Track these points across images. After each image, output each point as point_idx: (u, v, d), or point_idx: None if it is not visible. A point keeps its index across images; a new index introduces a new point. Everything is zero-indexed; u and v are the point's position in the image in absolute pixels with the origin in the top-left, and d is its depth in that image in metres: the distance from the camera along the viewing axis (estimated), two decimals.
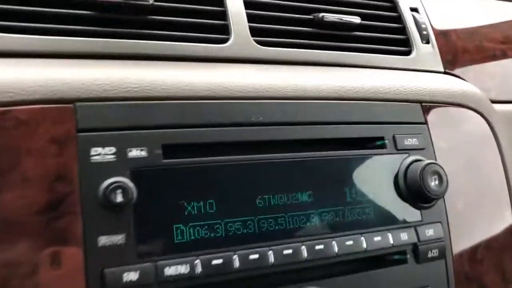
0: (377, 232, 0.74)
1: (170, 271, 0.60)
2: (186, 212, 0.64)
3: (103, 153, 0.61)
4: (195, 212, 0.65)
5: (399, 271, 0.75)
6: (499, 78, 1.13)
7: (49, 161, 0.58)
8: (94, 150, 0.60)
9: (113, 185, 0.58)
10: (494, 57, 1.16)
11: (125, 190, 0.59)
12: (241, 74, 0.76)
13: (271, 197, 0.70)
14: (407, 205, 0.79)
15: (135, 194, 0.60)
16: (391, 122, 0.81)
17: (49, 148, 0.59)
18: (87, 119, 0.61)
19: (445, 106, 0.90)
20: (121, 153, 0.61)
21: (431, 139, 0.84)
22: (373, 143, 0.81)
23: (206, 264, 0.62)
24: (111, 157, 0.61)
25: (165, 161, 0.64)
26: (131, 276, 0.58)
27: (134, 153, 0.62)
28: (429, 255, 0.78)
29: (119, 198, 0.58)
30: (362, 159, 0.77)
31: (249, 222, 0.68)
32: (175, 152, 0.65)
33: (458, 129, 0.90)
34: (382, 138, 0.80)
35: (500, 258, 0.86)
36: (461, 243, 0.82)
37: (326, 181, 0.74)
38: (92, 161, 0.60)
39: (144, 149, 0.63)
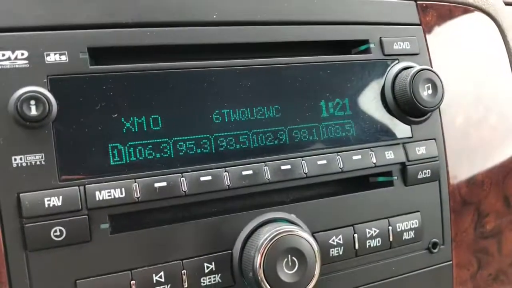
0: (357, 151, 0.63)
1: (102, 195, 0.51)
2: (124, 129, 0.54)
3: (13, 58, 0.50)
4: (136, 129, 0.55)
5: (384, 195, 0.66)
6: None
7: None
8: (2, 54, 0.50)
9: (25, 96, 0.48)
10: None
11: (40, 101, 0.48)
12: None
13: (231, 111, 0.59)
14: (395, 119, 0.67)
15: (54, 107, 0.50)
16: (378, 23, 0.68)
17: None
18: None
19: (447, 5, 0.76)
20: (36, 58, 0.51)
21: (426, 43, 0.71)
22: (356, 47, 0.68)
23: (146, 187, 0.53)
24: (23, 63, 0.50)
25: (93, 67, 0.53)
26: (54, 201, 0.49)
27: (53, 57, 0.51)
28: (420, 176, 0.67)
29: (33, 110, 0.48)
30: (342, 66, 0.65)
31: (204, 140, 0.58)
32: (106, 56, 0.54)
33: (461, 33, 0.77)
34: (366, 41, 0.67)
35: (505, 181, 0.75)
36: (458, 163, 0.71)
37: (297, 93, 0.62)
38: (0, 67, 0.49)
39: (65, 53, 0.52)
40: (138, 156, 0.54)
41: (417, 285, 0.67)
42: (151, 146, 0.55)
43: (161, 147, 0.56)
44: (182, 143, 0.57)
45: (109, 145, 0.53)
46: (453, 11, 0.76)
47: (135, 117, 0.55)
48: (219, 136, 0.58)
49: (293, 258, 0.54)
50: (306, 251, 0.54)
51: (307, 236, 0.55)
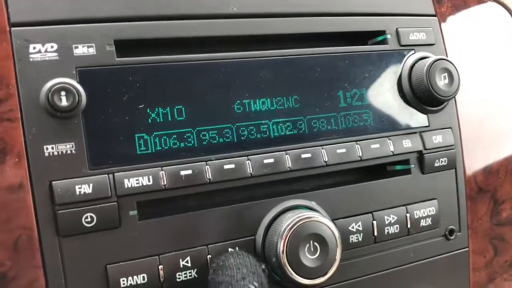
0: (375, 139, 0.65)
1: (131, 183, 0.53)
2: (149, 120, 0.56)
3: (43, 51, 0.52)
4: (161, 119, 0.56)
5: (401, 183, 0.67)
6: None
7: None
8: (33, 47, 0.51)
9: (56, 87, 0.50)
10: None
11: (70, 92, 0.50)
12: None
13: (251, 102, 0.61)
14: (412, 109, 0.68)
15: (83, 98, 0.51)
16: (394, 14, 0.69)
17: None
18: (22, 11, 0.52)
19: None
20: (65, 51, 0.52)
21: (442, 34, 0.72)
22: (373, 38, 0.69)
23: (173, 175, 0.55)
24: (53, 55, 0.52)
25: (119, 59, 0.55)
26: (84, 188, 0.51)
27: (81, 50, 0.53)
28: (437, 164, 0.68)
29: (64, 101, 0.50)
30: (360, 57, 0.66)
31: (226, 130, 0.59)
32: (131, 48, 0.56)
33: (475, 24, 0.77)
34: (383, 32, 0.68)
35: None
36: (474, 152, 0.72)
37: (316, 83, 0.64)
38: (32, 59, 0.51)
39: (92, 45, 0.53)
40: (163, 146, 0.56)
41: (434, 271, 0.69)
42: (175, 136, 0.57)
43: (185, 136, 0.57)
44: (205, 132, 0.58)
45: (136, 135, 0.55)
46: (467, 1, 0.77)
47: (160, 108, 0.56)
48: (240, 126, 0.60)
49: (315, 243, 0.55)
50: (327, 236, 0.56)
51: (328, 222, 0.56)
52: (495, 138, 0.75)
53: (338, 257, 0.56)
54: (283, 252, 0.54)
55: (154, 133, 0.56)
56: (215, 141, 0.58)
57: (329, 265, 0.55)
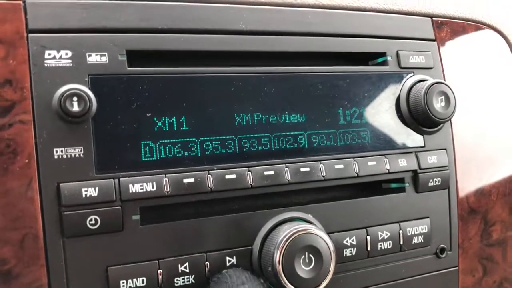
0: (372, 157, 0.67)
1: (135, 188, 0.55)
2: (156, 128, 0.58)
3: (58, 57, 0.54)
4: (166, 128, 0.58)
5: (395, 200, 0.69)
6: None
7: None
8: (48, 53, 0.53)
9: (68, 92, 0.52)
10: None
11: (82, 98, 0.52)
12: None
13: (254, 115, 0.63)
14: (408, 129, 0.71)
15: (94, 104, 0.53)
16: (395, 37, 0.72)
17: None
18: (39, 19, 0.54)
19: (461, 22, 0.79)
20: (78, 58, 0.54)
21: (440, 58, 0.75)
22: (374, 59, 0.72)
23: (176, 183, 0.56)
24: (67, 62, 0.54)
25: (130, 69, 0.57)
26: (91, 191, 0.53)
27: (94, 58, 0.55)
28: (431, 184, 0.70)
29: (75, 107, 0.52)
30: (361, 77, 0.69)
31: (228, 141, 0.61)
32: (142, 59, 0.58)
33: (473, 50, 0.80)
34: (384, 54, 0.71)
35: None
36: (467, 173, 0.75)
37: (317, 101, 0.66)
38: (46, 65, 0.53)
39: (105, 54, 0.56)
40: (167, 154, 0.58)
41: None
42: (180, 145, 0.59)
43: (189, 146, 0.59)
44: (208, 143, 0.60)
45: (142, 142, 0.57)
46: (466, 28, 0.80)
47: (166, 117, 0.58)
48: (242, 138, 0.62)
49: (310, 255, 0.57)
50: (322, 249, 0.57)
51: (324, 235, 0.58)
52: (488, 161, 0.77)
53: (332, 269, 0.58)
54: (279, 262, 0.56)
55: (160, 141, 0.58)
56: (218, 152, 0.60)
57: (322, 276, 0.57)
